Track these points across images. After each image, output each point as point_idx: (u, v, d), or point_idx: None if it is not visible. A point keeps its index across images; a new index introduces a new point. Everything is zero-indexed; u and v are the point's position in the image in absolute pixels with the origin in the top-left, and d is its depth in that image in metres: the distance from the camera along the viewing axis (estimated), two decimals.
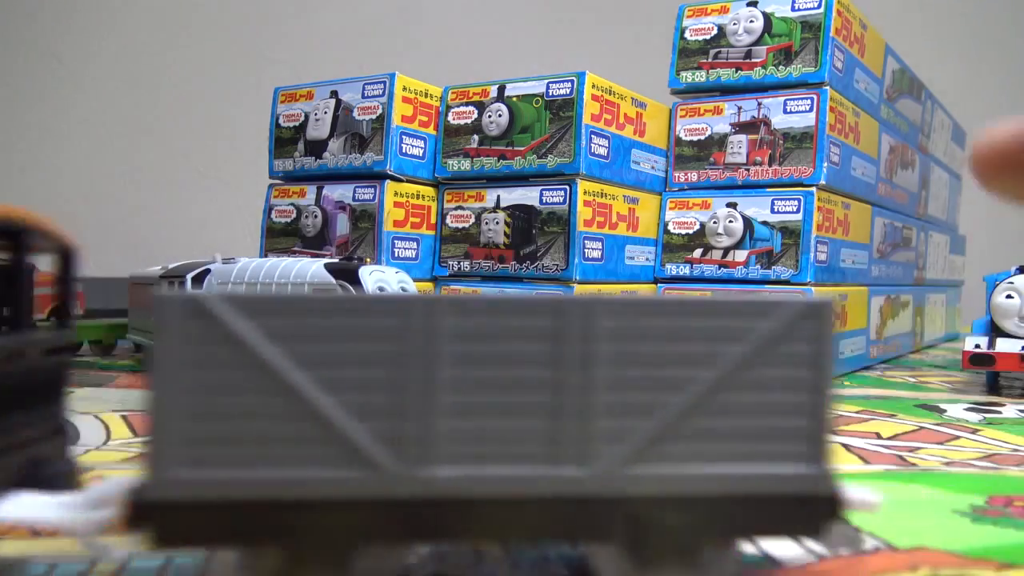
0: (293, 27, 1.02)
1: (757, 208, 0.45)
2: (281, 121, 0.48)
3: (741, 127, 0.46)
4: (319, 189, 0.46)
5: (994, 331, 0.40)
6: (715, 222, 0.46)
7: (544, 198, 0.42)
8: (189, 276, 0.37)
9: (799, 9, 0.45)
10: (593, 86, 0.42)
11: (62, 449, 0.18)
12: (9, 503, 0.14)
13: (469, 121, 0.45)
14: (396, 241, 0.44)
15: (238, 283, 0.35)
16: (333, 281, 0.32)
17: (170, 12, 1.01)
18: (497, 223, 0.44)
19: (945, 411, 0.35)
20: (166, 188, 0.92)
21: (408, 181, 0.45)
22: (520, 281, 0.43)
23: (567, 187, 0.42)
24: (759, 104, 0.45)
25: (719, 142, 0.46)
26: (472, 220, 0.45)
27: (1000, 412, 0.35)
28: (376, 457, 0.14)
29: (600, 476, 0.14)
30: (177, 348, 0.14)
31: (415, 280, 0.39)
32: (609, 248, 0.44)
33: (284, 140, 0.48)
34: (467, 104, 0.45)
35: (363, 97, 0.45)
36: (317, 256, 0.42)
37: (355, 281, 0.32)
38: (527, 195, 0.43)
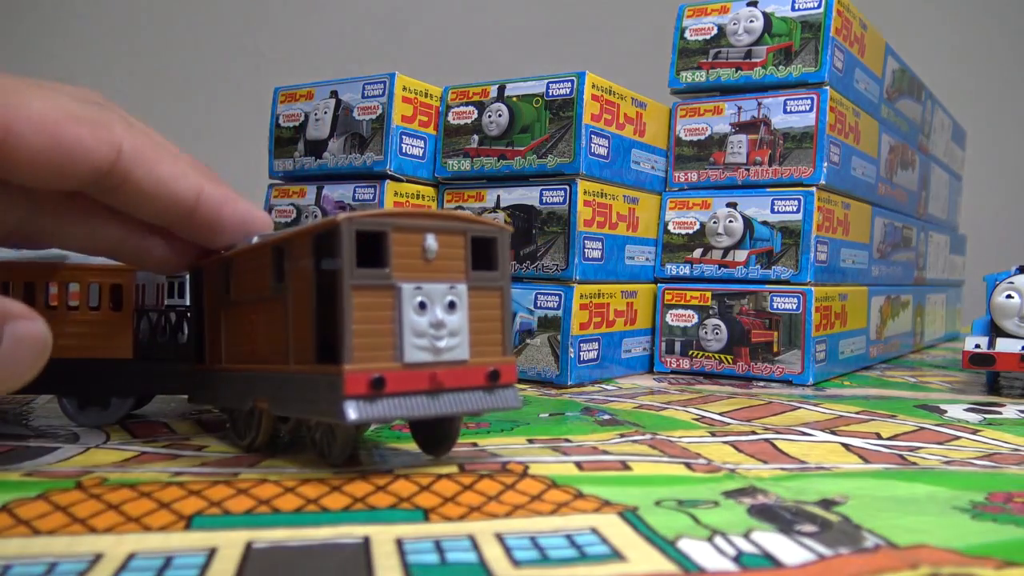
0: (293, 27, 1.02)
1: (757, 208, 0.45)
2: (281, 121, 0.48)
3: (741, 127, 0.46)
4: (319, 189, 0.46)
5: (994, 331, 0.40)
6: (715, 222, 0.46)
7: (544, 198, 0.42)
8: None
9: (799, 9, 0.45)
10: (593, 86, 0.42)
11: None
12: None
13: (469, 121, 0.45)
14: None
15: None
16: None
17: (170, 12, 1.01)
18: None
19: (945, 411, 0.35)
20: None
21: (408, 181, 0.45)
22: (520, 281, 0.43)
23: (567, 187, 0.42)
24: (759, 104, 0.45)
25: (719, 142, 0.46)
26: None
27: (1000, 412, 0.35)
28: None
29: None
30: None
31: None
32: (609, 248, 0.44)
33: (284, 140, 0.48)
34: (467, 104, 0.45)
35: (363, 97, 0.45)
36: None
37: None
38: (527, 195, 0.43)
